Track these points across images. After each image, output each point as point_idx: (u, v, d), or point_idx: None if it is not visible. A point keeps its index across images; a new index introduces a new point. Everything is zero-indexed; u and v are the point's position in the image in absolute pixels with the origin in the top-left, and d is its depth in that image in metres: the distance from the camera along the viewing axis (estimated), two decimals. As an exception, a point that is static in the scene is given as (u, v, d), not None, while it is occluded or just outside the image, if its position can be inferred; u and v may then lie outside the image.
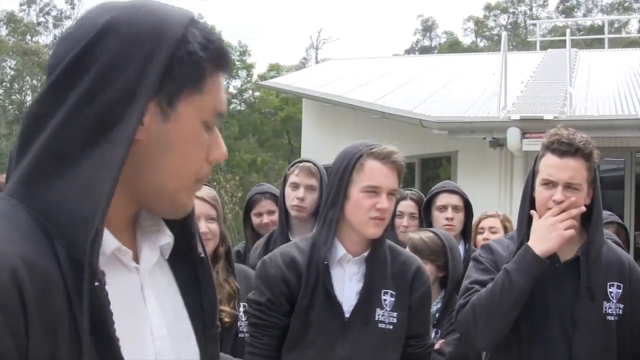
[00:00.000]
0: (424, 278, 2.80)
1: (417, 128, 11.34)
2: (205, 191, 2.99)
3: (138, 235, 1.25)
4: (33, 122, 1.10)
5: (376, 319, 2.69)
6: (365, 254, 2.71)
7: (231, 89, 38.89)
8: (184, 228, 1.30)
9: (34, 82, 42.61)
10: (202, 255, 1.32)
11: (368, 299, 2.67)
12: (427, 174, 13.40)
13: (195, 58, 1.14)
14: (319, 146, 15.54)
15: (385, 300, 2.70)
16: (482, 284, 2.82)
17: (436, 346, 3.38)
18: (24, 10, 45.30)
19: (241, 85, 38.76)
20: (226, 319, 2.94)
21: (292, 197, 3.69)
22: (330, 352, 2.64)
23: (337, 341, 2.65)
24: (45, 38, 45.85)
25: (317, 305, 2.66)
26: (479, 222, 4.55)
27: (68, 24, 45.93)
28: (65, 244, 1.03)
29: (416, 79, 15.71)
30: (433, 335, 3.42)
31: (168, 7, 1.16)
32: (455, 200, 4.21)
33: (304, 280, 2.68)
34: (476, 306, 2.76)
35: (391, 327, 2.68)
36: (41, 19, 45.82)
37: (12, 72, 42.63)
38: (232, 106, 38.04)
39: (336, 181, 2.68)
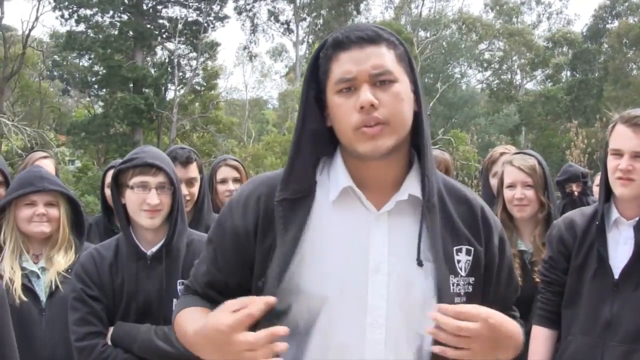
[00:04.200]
0: None
1: None
2: (519, 161, 3.53)
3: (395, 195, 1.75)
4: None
5: None
6: (638, 218, 2.82)
7: None
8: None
9: (522, 60, 43.93)
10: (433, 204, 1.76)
11: (637, 263, 2.78)
12: None
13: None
14: None
15: None
16: None
17: None
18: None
19: None
20: None
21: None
22: (599, 311, 2.81)
23: (606, 301, 2.80)
24: (529, 17, 46.77)
25: (588, 265, 2.89)
26: None
27: None
28: None
29: None
30: None
31: None
32: None
33: (578, 241, 2.93)
34: None
35: None
36: (527, -1, 46.77)
37: (500, 53, 44.49)
38: None
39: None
